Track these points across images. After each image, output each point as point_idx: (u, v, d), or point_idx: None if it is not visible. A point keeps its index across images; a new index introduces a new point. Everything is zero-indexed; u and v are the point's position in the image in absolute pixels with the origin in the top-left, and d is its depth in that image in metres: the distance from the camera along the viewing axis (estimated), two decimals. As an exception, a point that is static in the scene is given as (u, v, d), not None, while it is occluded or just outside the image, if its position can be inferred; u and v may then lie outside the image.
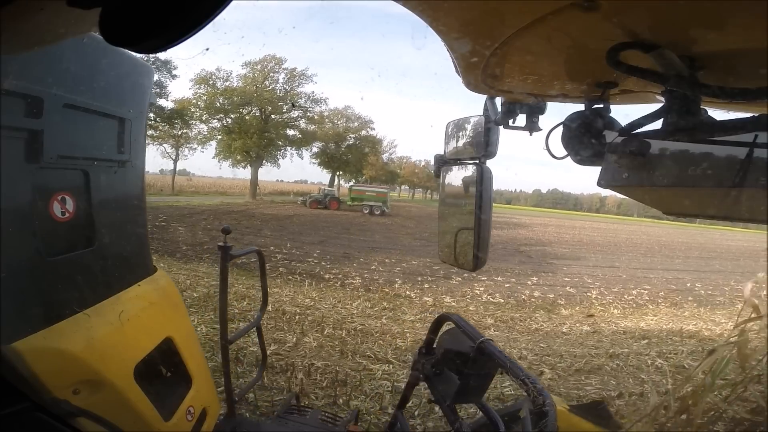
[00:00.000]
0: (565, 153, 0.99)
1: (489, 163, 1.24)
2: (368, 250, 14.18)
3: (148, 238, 2.04)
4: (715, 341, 6.25)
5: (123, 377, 1.43)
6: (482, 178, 1.21)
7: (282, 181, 61.97)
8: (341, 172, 42.82)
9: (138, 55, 1.82)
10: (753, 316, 3.19)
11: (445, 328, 1.58)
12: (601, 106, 0.94)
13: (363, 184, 37.31)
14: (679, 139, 0.77)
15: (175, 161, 34.50)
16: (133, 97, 1.82)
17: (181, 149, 33.65)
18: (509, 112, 1.15)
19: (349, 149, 40.58)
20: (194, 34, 0.48)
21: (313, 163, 40.32)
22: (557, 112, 1.05)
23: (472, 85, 0.99)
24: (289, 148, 36.15)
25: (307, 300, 7.26)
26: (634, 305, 9.47)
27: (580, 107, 0.96)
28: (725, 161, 0.72)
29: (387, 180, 45.65)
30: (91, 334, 1.36)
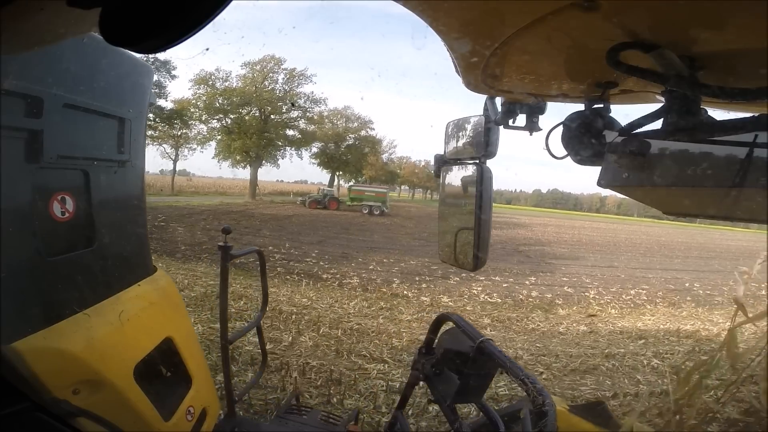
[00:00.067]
0: (565, 153, 0.99)
1: (489, 163, 1.24)
2: (367, 250, 14.15)
3: (148, 238, 2.04)
4: (712, 341, 6.27)
5: (123, 377, 1.43)
6: (482, 178, 1.21)
7: (282, 181, 62.05)
8: (341, 173, 42.81)
9: (138, 55, 1.82)
10: (741, 315, 3.20)
11: (445, 327, 1.58)
12: (601, 106, 0.94)
13: (362, 184, 37.29)
14: (679, 139, 0.77)
15: (175, 161, 34.54)
16: (133, 97, 1.82)
17: (180, 149, 33.66)
18: (509, 112, 1.15)
19: (349, 149, 40.56)
20: (194, 34, 0.48)
21: (313, 163, 40.37)
22: (557, 112, 1.06)
23: (472, 85, 0.99)
24: (288, 148, 36.16)
25: (304, 300, 7.25)
26: (632, 305, 9.46)
27: (580, 107, 0.96)
28: (725, 161, 0.73)
29: (387, 180, 45.63)
30: (91, 334, 1.36)
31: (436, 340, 1.55)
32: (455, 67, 0.89)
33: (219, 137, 33.60)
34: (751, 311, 3.31)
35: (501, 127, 1.18)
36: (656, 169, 0.80)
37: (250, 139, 32.61)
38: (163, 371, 1.86)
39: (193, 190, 37.62)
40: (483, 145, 1.23)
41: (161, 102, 29.03)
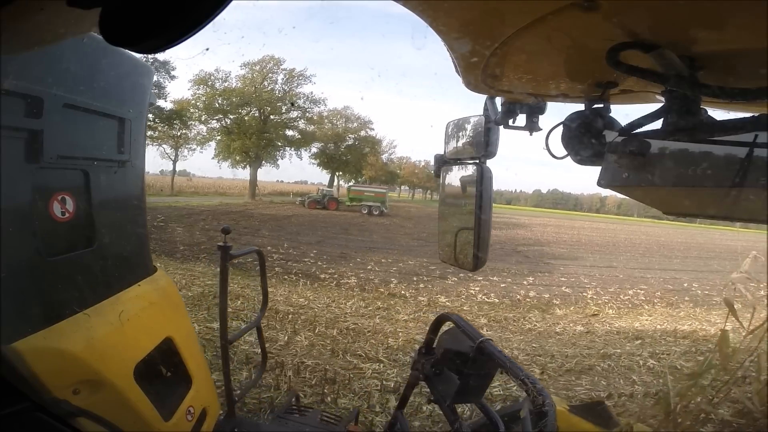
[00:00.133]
0: (565, 153, 0.99)
1: (489, 163, 1.24)
2: (365, 250, 14.14)
3: (148, 238, 2.04)
4: (709, 341, 6.27)
5: (123, 377, 1.43)
6: (482, 178, 1.21)
7: (282, 181, 61.99)
8: (341, 173, 42.81)
9: (138, 55, 1.82)
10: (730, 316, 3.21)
11: (445, 327, 1.58)
12: (601, 106, 0.94)
13: (362, 184, 37.29)
14: (679, 139, 0.77)
15: (174, 162, 34.55)
16: (133, 97, 1.82)
17: (180, 150, 33.65)
18: (509, 112, 1.15)
19: (349, 150, 40.57)
20: (194, 34, 0.48)
21: (313, 163, 40.37)
22: (557, 112, 1.06)
23: (472, 85, 0.99)
24: (287, 148, 36.18)
25: (301, 299, 7.25)
26: (630, 305, 9.44)
27: (580, 107, 0.96)
28: (725, 161, 0.73)
29: (387, 180, 45.63)
30: (91, 334, 1.36)
31: (436, 340, 1.56)
32: (455, 67, 0.89)
33: (218, 138, 33.63)
34: (749, 311, 3.32)
35: (501, 127, 1.18)
36: (656, 169, 0.80)
37: (250, 140, 32.62)
38: (163, 371, 1.86)
39: (192, 190, 37.61)
40: (483, 145, 1.23)
41: (161, 102, 29.06)
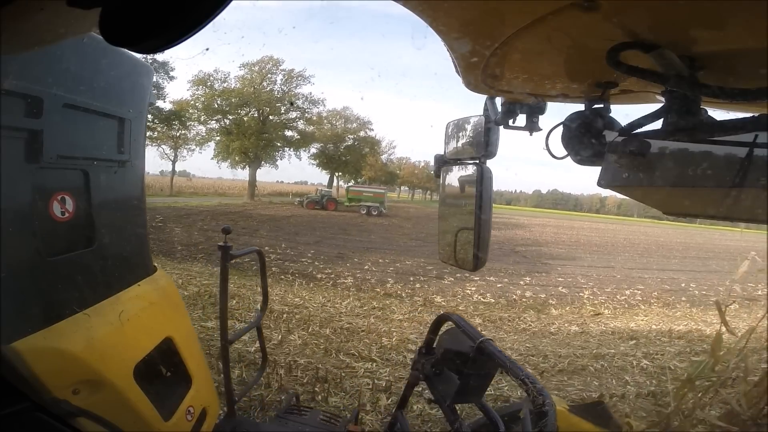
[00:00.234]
0: (565, 153, 0.99)
1: (489, 163, 1.24)
2: (363, 251, 14.13)
3: (148, 238, 2.04)
4: (705, 342, 6.26)
5: (123, 377, 1.43)
6: (482, 178, 1.21)
7: (282, 182, 61.93)
8: (340, 173, 42.79)
9: (138, 55, 1.82)
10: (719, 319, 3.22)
11: (445, 328, 1.58)
12: (601, 106, 0.94)
13: (360, 185, 37.27)
14: (679, 139, 0.77)
15: (174, 162, 34.51)
16: (133, 97, 1.82)
17: (179, 150, 33.63)
18: (509, 112, 1.15)
19: (348, 150, 40.54)
20: (194, 34, 0.48)
21: (312, 164, 40.34)
22: (557, 112, 1.06)
23: (472, 85, 0.99)
24: (287, 149, 36.17)
25: (296, 299, 7.24)
26: (626, 305, 9.42)
27: (580, 107, 0.97)
28: (725, 161, 0.73)
29: (386, 181, 45.60)
30: (91, 334, 1.36)
31: (436, 340, 1.56)
32: (455, 67, 0.89)
33: (218, 138, 33.61)
34: (747, 312, 3.33)
35: (501, 127, 1.18)
36: (656, 169, 0.80)
37: (249, 140, 32.60)
38: (163, 371, 1.86)
39: (192, 190, 37.60)
40: (483, 145, 1.23)
41: (159, 103, 28.98)
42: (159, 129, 30.32)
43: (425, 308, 7.66)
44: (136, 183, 1.89)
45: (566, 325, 7.36)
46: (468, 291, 9.44)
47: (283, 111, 34.65)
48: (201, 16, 0.46)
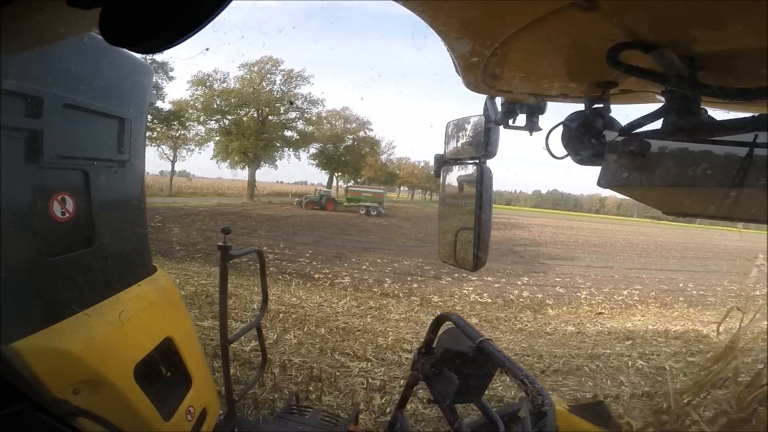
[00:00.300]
0: (565, 153, 0.99)
1: (489, 163, 1.24)
2: (361, 251, 14.09)
3: (148, 238, 2.04)
4: (701, 342, 6.25)
5: (123, 377, 1.43)
6: (482, 178, 1.21)
7: (282, 182, 61.82)
8: (340, 173, 42.77)
9: (138, 55, 1.82)
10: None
11: (445, 328, 1.58)
12: (601, 106, 0.94)
13: (359, 185, 37.25)
14: (679, 139, 0.77)
15: (173, 162, 34.49)
16: (133, 97, 1.82)
17: (178, 150, 33.61)
18: (509, 112, 1.15)
19: (348, 150, 40.51)
20: (194, 34, 0.48)
21: (312, 164, 40.31)
22: (557, 112, 1.06)
23: (472, 85, 0.99)
24: (286, 149, 36.14)
25: (293, 299, 7.23)
26: (623, 305, 9.39)
27: (580, 107, 0.97)
28: (725, 161, 0.73)
29: (386, 181, 45.56)
30: (91, 334, 1.36)
31: (436, 340, 1.56)
32: (455, 67, 0.89)
33: (217, 138, 33.60)
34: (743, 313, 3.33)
35: (501, 127, 1.18)
36: (656, 169, 0.80)
37: (248, 140, 32.57)
38: (163, 371, 1.86)
39: (191, 191, 37.58)
40: (483, 145, 1.23)
41: (159, 103, 28.94)
42: (158, 129, 30.30)
43: (422, 308, 7.65)
44: (136, 183, 1.90)
45: (563, 325, 7.34)
46: (465, 291, 9.42)
47: (282, 111, 34.64)
48: (201, 16, 0.46)
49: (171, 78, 30.92)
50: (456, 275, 10.35)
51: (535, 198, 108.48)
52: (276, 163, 35.75)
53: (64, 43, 1.32)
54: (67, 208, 1.46)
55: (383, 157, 46.45)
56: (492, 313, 7.84)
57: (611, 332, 6.96)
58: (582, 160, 0.96)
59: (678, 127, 0.75)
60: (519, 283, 10.94)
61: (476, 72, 0.89)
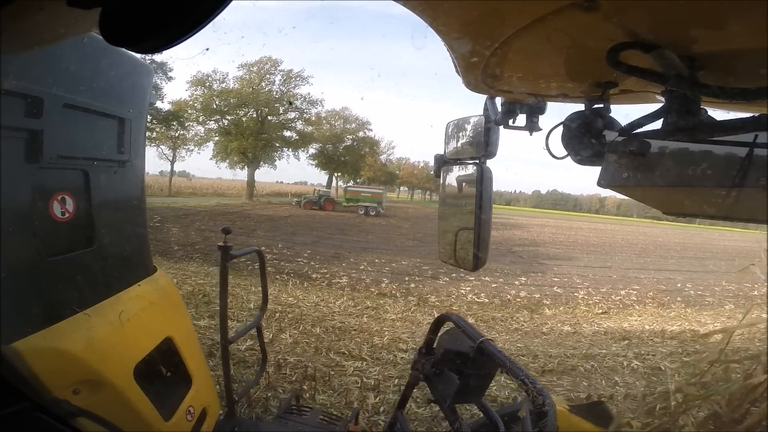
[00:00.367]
0: (565, 153, 0.99)
1: (489, 163, 1.24)
2: (359, 251, 14.07)
3: (148, 238, 2.04)
4: (697, 342, 6.24)
5: (123, 377, 1.43)
6: (482, 178, 1.21)
7: (281, 182, 61.80)
8: (339, 174, 42.76)
9: (138, 55, 1.82)
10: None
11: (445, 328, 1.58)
12: (601, 106, 0.94)
13: (358, 185, 37.24)
14: (679, 139, 0.77)
15: (173, 162, 34.47)
16: (133, 97, 1.82)
17: (178, 151, 33.58)
18: (509, 112, 1.15)
19: (347, 150, 40.50)
20: (194, 34, 0.48)
21: (311, 164, 40.30)
22: (557, 112, 1.06)
23: (472, 85, 0.99)
24: (285, 149, 36.12)
25: (290, 299, 7.23)
26: (621, 305, 9.37)
27: (580, 107, 0.96)
28: (725, 161, 0.73)
29: (386, 181, 45.55)
30: (91, 334, 1.36)
31: (436, 340, 1.56)
32: (455, 67, 0.89)
33: (216, 138, 33.58)
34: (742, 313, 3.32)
35: (501, 127, 1.18)
36: (656, 169, 0.80)
37: (247, 141, 32.54)
38: (163, 371, 1.86)
39: (191, 191, 37.59)
40: (483, 145, 1.23)
41: (158, 103, 28.92)
42: (158, 129, 30.28)
43: (419, 308, 7.65)
44: (136, 183, 1.90)
45: (559, 325, 7.34)
46: (462, 291, 9.41)
47: (281, 111, 34.64)
48: (201, 16, 0.46)
49: (170, 78, 31.05)
50: (453, 275, 10.35)
51: (535, 198, 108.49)
52: (275, 163, 35.79)
53: (64, 43, 1.32)
54: (67, 208, 1.46)
55: (383, 157, 46.53)
56: (489, 313, 7.84)
57: (607, 332, 6.96)
58: (582, 160, 0.96)
59: (678, 127, 0.75)
60: (517, 283, 10.93)
61: (476, 72, 0.89)
